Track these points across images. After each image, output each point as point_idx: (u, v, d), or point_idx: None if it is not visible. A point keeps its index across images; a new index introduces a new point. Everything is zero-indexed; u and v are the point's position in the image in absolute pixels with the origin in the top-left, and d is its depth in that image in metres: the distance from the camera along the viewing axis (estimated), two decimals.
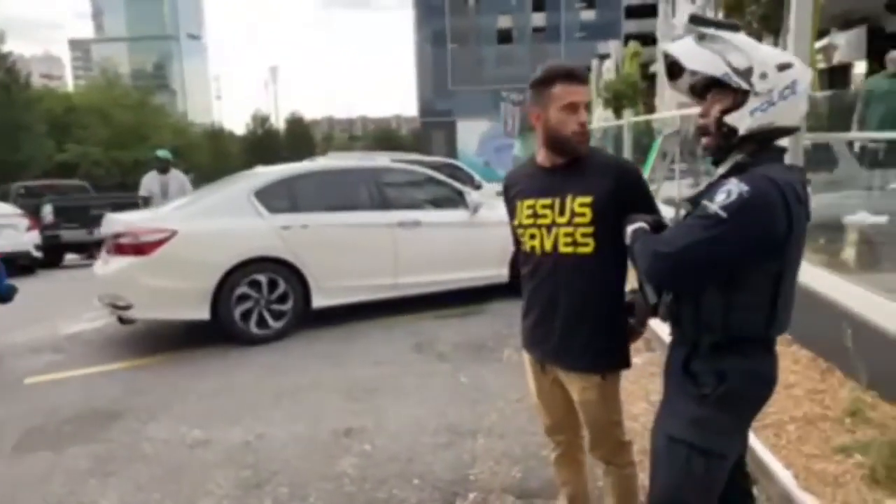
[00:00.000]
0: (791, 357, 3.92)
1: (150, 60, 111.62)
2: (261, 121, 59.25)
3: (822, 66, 12.78)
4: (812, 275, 4.10)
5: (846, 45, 13.48)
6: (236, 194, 5.63)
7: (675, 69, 1.77)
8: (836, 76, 13.93)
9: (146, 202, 8.47)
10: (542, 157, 2.03)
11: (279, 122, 63.21)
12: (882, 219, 5.81)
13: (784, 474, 2.68)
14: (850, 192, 6.46)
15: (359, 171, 6.30)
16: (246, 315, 5.34)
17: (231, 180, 6.41)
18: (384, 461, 3.28)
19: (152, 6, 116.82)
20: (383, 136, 75.51)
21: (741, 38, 1.65)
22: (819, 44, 12.53)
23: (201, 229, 5.28)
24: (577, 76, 1.92)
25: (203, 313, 5.22)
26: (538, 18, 58.80)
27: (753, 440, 2.87)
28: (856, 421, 3.05)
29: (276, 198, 5.62)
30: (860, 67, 13.23)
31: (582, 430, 2.24)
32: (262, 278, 5.38)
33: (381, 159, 10.45)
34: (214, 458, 3.40)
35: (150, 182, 8.67)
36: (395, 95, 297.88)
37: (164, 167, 8.69)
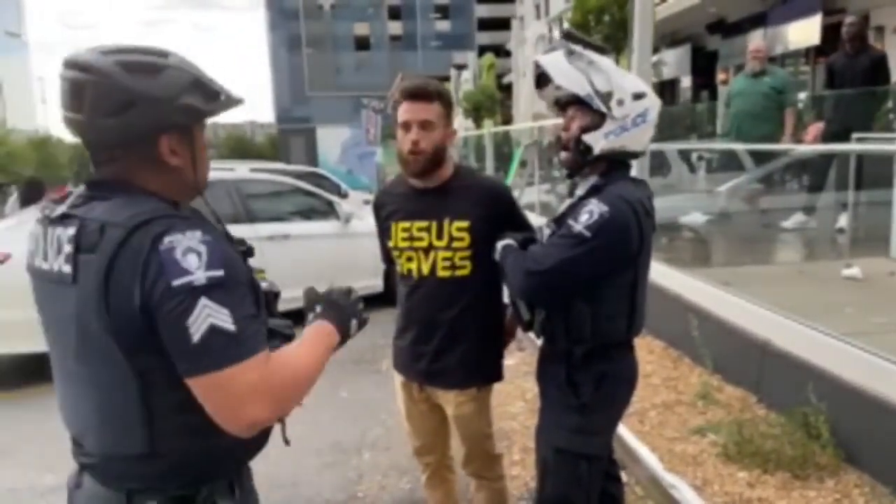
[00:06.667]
0: (647, 348, 4.29)
1: None
2: None
3: (653, 80, 14.14)
4: (659, 272, 4.52)
5: (674, 61, 15.05)
6: None
7: (542, 79, 1.85)
8: (665, 90, 15.50)
9: None
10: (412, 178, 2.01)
11: None
12: (708, 218, 6.57)
13: (650, 458, 2.93)
14: (684, 195, 7.23)
15: (219, 183, 5.95)
16: None
17: None
18: (268, 488, 3.08)
19: None
20: (237, 143, 71.69)
21: (606, 62, 1.76)
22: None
23: None
24: (413, 94, 1.88)
25: None
26: (394, 27, 59.47)
27: (621, 428, 3.10)
28: (706, 403, 3.40)
29: None
30: (686, 82, 14.82)
31: (450, 450, 2.27)
32: None
33: (241, 169, 10.00)
34: None
35: None
36: (249, 101, 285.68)
37: None
